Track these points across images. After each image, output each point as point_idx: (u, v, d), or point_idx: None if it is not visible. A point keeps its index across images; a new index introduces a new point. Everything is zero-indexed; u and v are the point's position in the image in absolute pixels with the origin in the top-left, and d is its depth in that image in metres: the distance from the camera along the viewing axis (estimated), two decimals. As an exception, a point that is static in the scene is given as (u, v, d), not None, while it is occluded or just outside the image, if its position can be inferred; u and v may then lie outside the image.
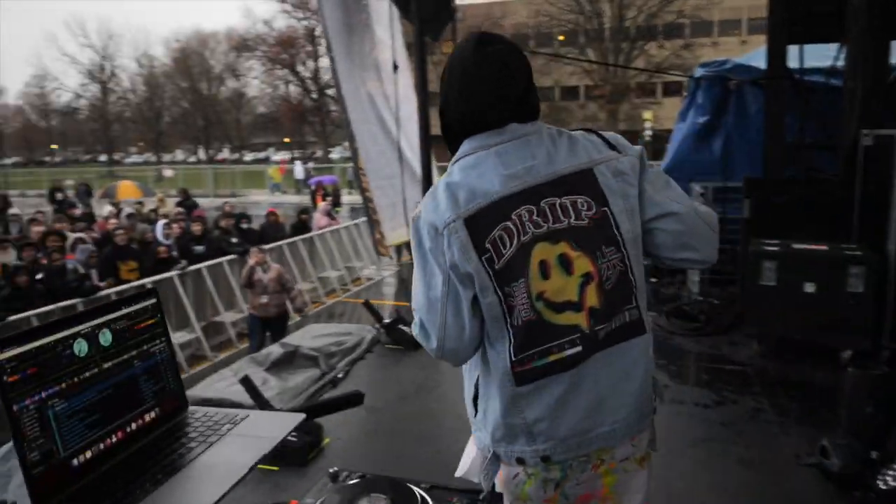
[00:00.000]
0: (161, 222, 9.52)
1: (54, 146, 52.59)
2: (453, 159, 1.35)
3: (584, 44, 34.03)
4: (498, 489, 1.40)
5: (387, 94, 7.06)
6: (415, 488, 2.17)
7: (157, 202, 12.70)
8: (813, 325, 4.09)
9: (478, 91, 1.30)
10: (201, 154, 48.54)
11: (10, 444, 3.83)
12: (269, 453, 1.22)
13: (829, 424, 3.16)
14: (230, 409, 1.34)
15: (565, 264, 1.26)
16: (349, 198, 21.10)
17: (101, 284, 7.23)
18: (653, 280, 6.56)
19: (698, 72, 7.19)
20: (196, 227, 9.05)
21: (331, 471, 2.52)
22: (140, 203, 14.00)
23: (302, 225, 11.15)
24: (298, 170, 28.79)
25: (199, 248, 8.64)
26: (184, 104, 47.21)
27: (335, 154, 38.95)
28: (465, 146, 1.34)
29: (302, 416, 1.38)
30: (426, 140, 5.43)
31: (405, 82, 7.16)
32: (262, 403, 3.24)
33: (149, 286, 7.60)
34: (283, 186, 28.25)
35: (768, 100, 5.90)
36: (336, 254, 11.35)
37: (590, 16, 33.53)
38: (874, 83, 4.70)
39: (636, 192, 1.33)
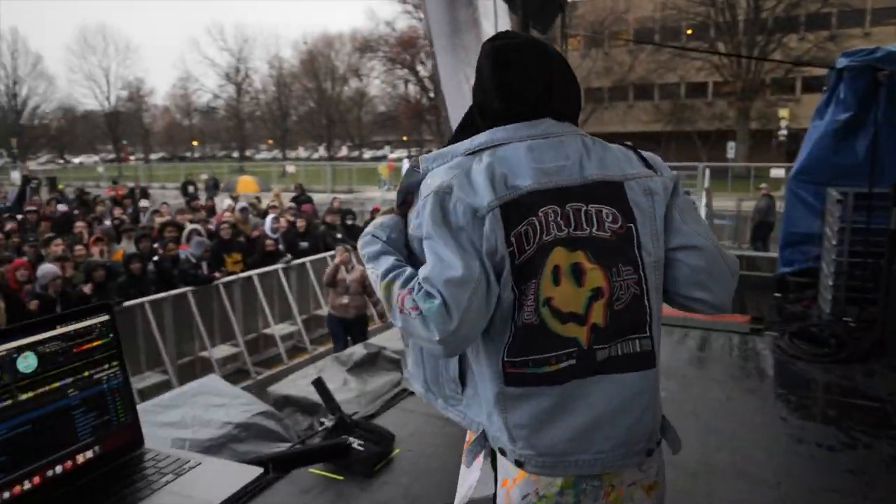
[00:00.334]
0: (270, 216, 9.87)
1: (195, 143, 57.29)
2: (480, 144, 1.28)
3: (715, 37, 32.19)
4: None
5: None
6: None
7: (273, 197, 13.25)
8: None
9: (516, 81, 1.29)
10: (322, 151, 51.05)
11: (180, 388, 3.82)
12: None
13: None
14: (184, 453, 1.19)
15: (577, 274, 1.21)
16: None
17: (216, 275, 7.59)
18: (777, 295, 5.99)
19: (841, 62, 6.31)
20: (300, 223, 9.33)
21: None
22: (258, 198, 14.71)
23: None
24: (405, 167, 29.35)
25: (304, 245, 8.90)
26: (310, 103, 50.30)
27: (450, 152, 39.51)
28: (499, 133, 1.29)
29: (259, 470, 1.21)
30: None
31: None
32: (332, 408, 3.19)
33: (254, 276, 7.92)
34: (391, 183, 28.94)
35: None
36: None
37: (722, 7, 31.57)
38: None
39: (664, 215, 1.29)
